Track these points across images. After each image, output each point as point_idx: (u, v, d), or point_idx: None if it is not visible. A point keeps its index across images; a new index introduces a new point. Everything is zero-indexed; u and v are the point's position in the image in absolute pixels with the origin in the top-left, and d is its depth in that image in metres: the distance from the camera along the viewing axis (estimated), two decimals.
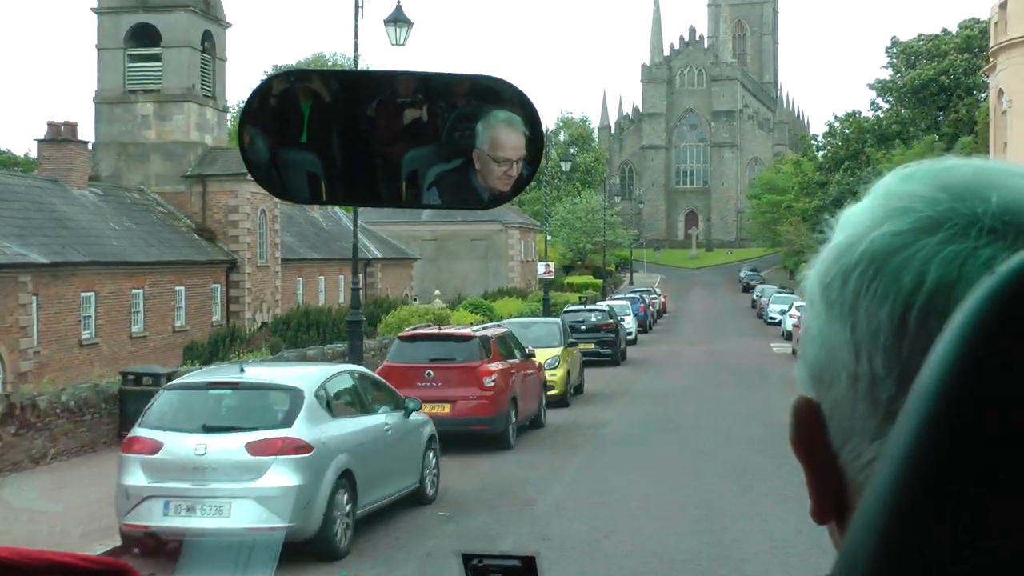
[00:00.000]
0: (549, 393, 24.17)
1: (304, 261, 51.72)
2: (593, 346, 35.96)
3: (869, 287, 0.82)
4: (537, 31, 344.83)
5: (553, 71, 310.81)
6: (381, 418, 12.37)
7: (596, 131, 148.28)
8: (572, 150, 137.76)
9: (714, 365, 37.91)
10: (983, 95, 68.01)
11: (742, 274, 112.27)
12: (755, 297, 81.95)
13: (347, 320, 27.27)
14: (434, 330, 19.39)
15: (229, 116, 50.91)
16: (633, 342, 46.72)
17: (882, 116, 72.29)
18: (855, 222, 0.87)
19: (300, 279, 51.75)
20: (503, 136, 1.49)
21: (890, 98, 73.12)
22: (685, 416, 23.77)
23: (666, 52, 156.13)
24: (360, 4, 24.06)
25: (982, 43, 69.42)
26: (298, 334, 33.52)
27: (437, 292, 62.97)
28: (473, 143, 1.48)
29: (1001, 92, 39.49)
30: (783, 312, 55.36)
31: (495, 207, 1.58)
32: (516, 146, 1.49)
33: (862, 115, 73.57)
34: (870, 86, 73.05)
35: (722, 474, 16.53)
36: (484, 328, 20.12)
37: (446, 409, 17.75)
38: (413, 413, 13.16)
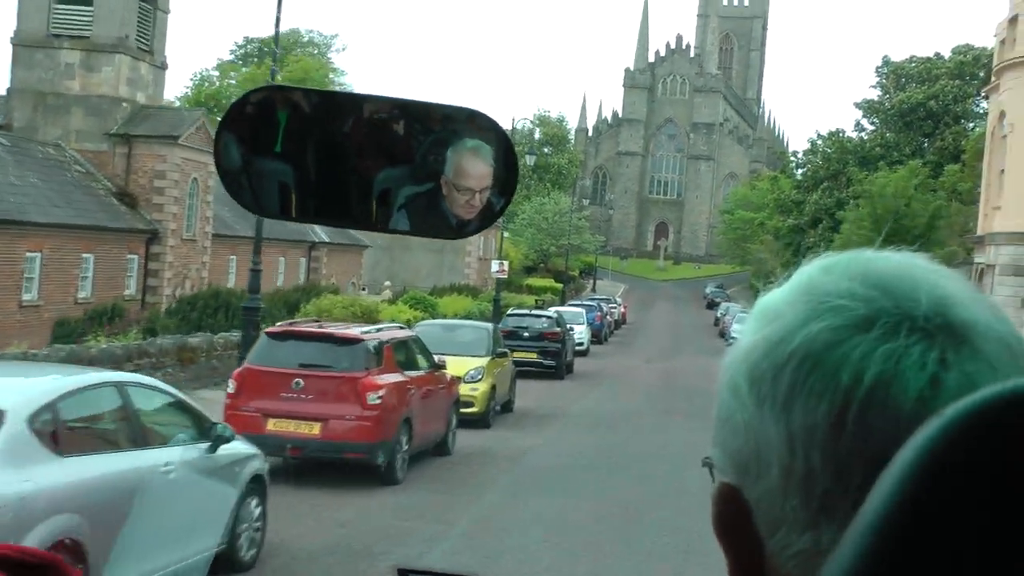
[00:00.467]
0: (468, 411, 20.48)
1: (239, 239, 47.67)
2: (535, 356, 32.38)
3: (805, 383, 0.83)
4: (524, 28, 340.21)
5: (536, 69, 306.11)
6: (161, 454, 8.50)
7: (573, 132, 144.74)
8: (547, 149, 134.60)
9: (668, 387, 34.36)
10: (971, 125, 64.98)
11: (708, 290, 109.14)
12: (719, 315, 78.65)
13: (242, 306, 23.57)
14: (313, 327, 15.46)
15: (167, 73, 46.89)
16: (584, 353, 43.16)
17: (866, 137, 69.07)
18: (779, 314, 0.88)
19: (234, 257, 47.78)
20: (468, 165, 1.49)
21: (876, 119, 69.89)
22: (626, 449, 20.13)
23: (651, 59, 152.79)
24: None
25: (975, 70, 66.37)
26: (203, 317, 29.71)
27: (387, 283, 59.27)
28: (442, 168, 1.49)
29: (1003, 114, 36.11)
30: None
31: (463, 238, 1.58)
32: (481, 176, 1.49)
33: (845, 135, 70.30)
34: (857, 105, 69.80)
35: (657, 539, 12.92)
36: (380, 330, 16.22)
37: (314, 429, 14.02)
38: (225, 445, 9.30)
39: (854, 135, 69.98)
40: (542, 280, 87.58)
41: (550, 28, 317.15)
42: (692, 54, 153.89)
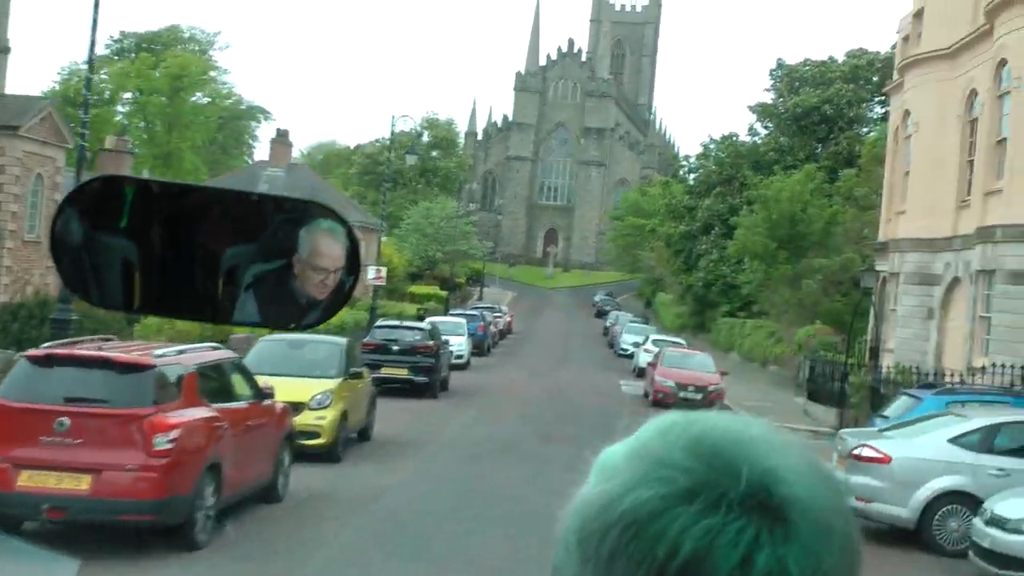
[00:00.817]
0: (312, 443, 17.32)
1: None
2: (405, 372, 29.25)
3: (627, 549, 0.88)
4: (413, 29, 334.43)
5: (425, 71, 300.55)
6: None
7: (463, 136, 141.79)
8: (435, 153, 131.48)
9: (553, 404, 31.52)
10: (865, 129, 63.46)
11: (597, 298, 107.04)
12: (608, 324, 76.38)
13: (51, 318, 20.08)
14: (89, 349, 12.05)
15: (9, 58, 42.76)
16: (464, 366, 40.17)
17: (760, 141, 67.20)
18: (616, 472, 0.94)
19: None
20: (324, 245, 1.50)
21: (770, 123, 68.04)
22: (498, 488, 17.12)
23: (543, 62, 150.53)
24: None
25: (868, 74, 64.90)
26: (26, 329, 25.99)
27: None
28: (295, 246, 1.51)
29: (907, 113, 33.99)
30: (636, 345, 49.43)
31: (311, 327, 1.60)
32: (335, 256, 1.51)
33: (739, 139, 68.40)
34: (751, 108, 67.85)
35: None
36: (184, 352, 12.85)
37: (83, 484, 10.70)
38: None
39: (748, 139, 68.12)
40: (426, 287, 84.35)
41: (439, 30, 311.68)
42: (584, 58, 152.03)
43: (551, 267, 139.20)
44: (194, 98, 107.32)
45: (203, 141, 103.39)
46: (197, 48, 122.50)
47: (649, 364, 37.37)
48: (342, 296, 1.52)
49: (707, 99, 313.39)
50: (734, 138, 68.57)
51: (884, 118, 52.98)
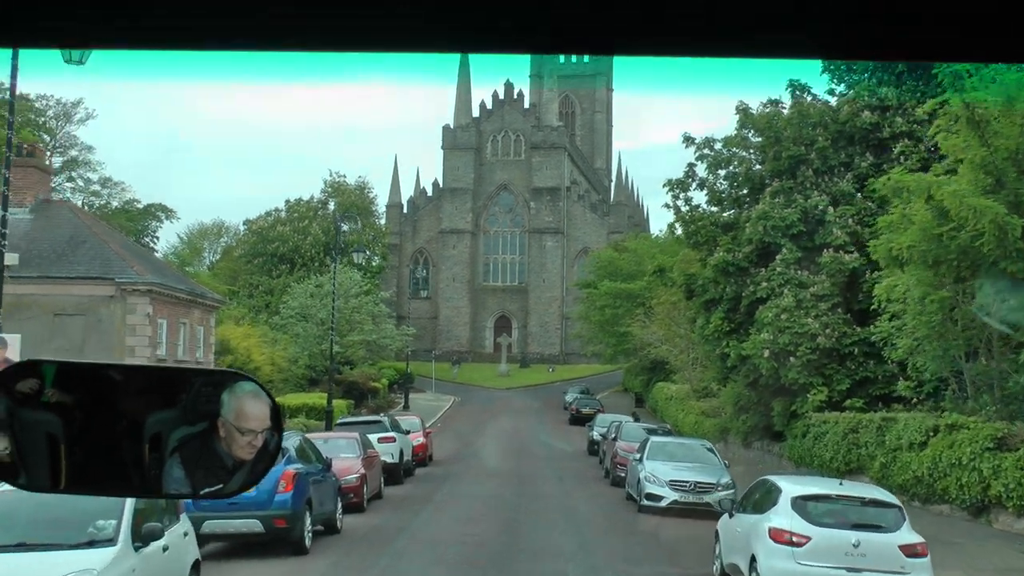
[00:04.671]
0: None
1: None
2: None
3: None
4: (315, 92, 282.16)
5: (327, 124, 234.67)
6: None
7: (383, 208, 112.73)
8: (344, 226, 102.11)
9: None
10: None
11: (569, 398, 77.37)
12: (594, 435, 46.98)
13: None
14: None
15: None
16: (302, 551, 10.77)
17: (839, 99, 38.54)
18: None
19: None
20: (249, 407, 1.55)
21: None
22: None
23: (475, 112, 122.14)
24: None
25: None
26: None
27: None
28: (218, 409, 1.56)
29: None
30: (708, 488, 21.02)
31: (239, 492, 1.62)
32: (261, 417, 1.55)
33: (794, 102, 39.25)
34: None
35: None
36: None
37: None
38: None
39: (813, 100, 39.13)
40: (307, 397, 54.46)
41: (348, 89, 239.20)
42: (526, 104, 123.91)
43: (504, 363, 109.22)
44: None
45: None
46: (44, 119, 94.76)
47: None
48: (267, 455, 1.53)
49: (679, 153, 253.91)
50: (779, 105, 39.49)
51: None
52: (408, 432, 35.27)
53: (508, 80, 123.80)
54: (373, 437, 29.85)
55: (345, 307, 67.86)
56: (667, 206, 41.13)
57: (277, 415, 1.56)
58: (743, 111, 38.71)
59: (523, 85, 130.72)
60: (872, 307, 29.90)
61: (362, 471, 24.61)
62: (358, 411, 64.45)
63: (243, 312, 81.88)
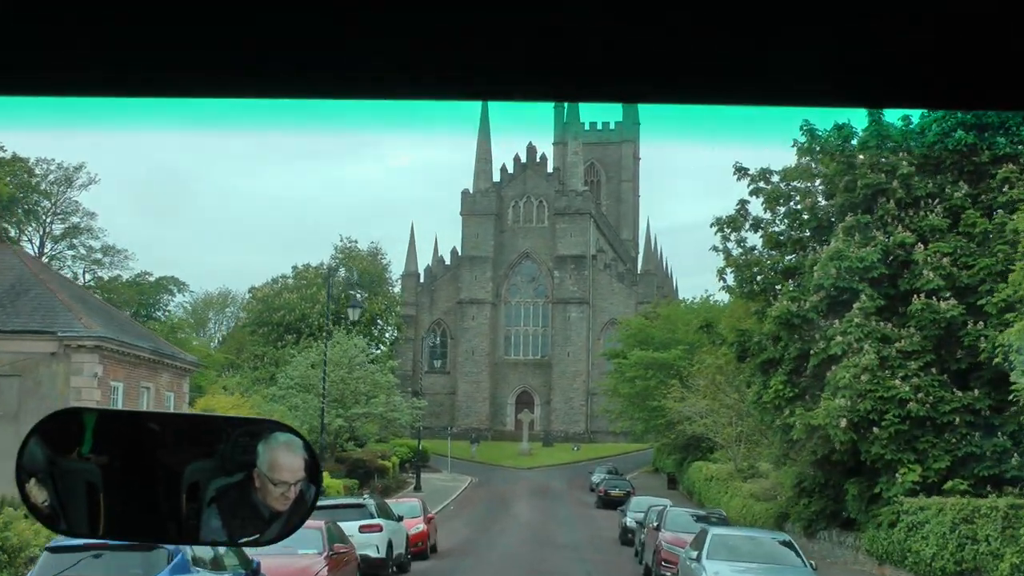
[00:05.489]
0: None
1: None
2: None
3: None
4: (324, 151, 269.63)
5: (341, 191, 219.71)
6: None
7: (398, 279, 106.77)
8: (358, 294, 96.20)
9: None
10: None
11: (595, 478, 70.66)
12: (628, 522, 40.44)
13: None
14: None
15: None
16: None
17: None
18: None
19: None
20: (282, 458, 1.56)
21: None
22: None
23: (496, 177, 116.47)
24: None
25: None
26: None
27: None
28: (254, 460, 1.56)
29: None
30: None
31: (273, 541, 1.62)
32: (295, 468, 1.57)
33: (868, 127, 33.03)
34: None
35: None
36: None
37: None
38: None
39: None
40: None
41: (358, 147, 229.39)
42: (550, 169, 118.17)
43: (526, 441, 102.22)
44: None
45: None
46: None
47: None
48: (304, 507, 1.53)
49: (708, 211, 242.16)
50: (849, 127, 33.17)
51: None
52: (402, 518, 28.59)
53: (530, 143, 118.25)
54: (351, 525, 23.31)
55: (349, 377, 61.52)
56: (715, 249, 34.82)
57: (314, 467, 1.56)
58: (808, 131, 32.38)
59: (546, 151, 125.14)
60: (979, 360, 23.41)
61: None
62: (361, 492, 57.95)
63: (246, 384, 75.86)
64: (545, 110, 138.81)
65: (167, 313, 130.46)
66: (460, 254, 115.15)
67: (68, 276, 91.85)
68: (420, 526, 31.78)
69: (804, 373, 32.18)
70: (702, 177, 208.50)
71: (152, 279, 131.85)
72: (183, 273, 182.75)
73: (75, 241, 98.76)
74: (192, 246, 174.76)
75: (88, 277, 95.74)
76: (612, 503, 57.94)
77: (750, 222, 34.68)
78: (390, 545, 25.47)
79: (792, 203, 34.05)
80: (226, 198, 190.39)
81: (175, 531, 1.50)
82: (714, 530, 23.39)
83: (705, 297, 73.70)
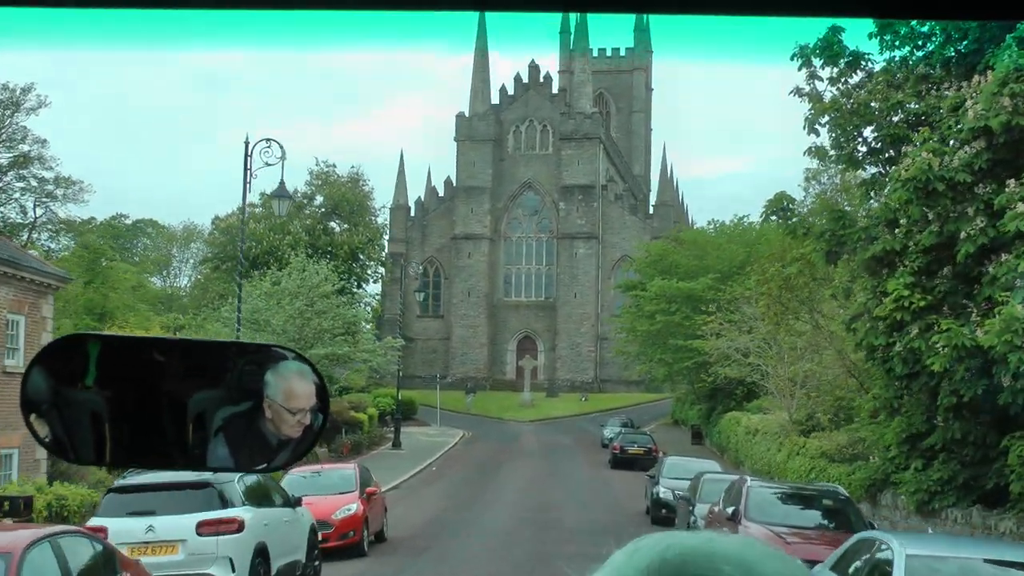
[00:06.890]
0: None
1: None
2: None
3: None
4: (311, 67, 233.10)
5: (325, 112, 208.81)
6: None
7: (387, 211, 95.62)
8: (334, 224, 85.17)
9: None
10: None
11: (608, 433, 60.08)
12: (658, 492, 29.27)
13: None
14: None
15: None
16: None
17: None
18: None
19: None
20: (297, 386, 1.56)
21: None
22: None
23: (495, 99, 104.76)
24: None
25: None
26: None
27: None
28: (261, 388, 1.56)
29: None
30: None
31: (282, 468, 1.65)
32: (309, 395, 1.57)
33: None
34: None
35: None
36: None
37: None
38: None
39: None
40: None
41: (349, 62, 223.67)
42: (555, 89, 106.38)
43: (528, 391, 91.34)
44: None
45: None
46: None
47: None
48: (312, 434, 1.53)
49: (725, 155, 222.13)
50: None
51: None
52: (300, 501, 17.33)
53: (533, 60, 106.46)
54: (183, 521, 12.23)
55: (310, 310, 50.42)
56: (796, 92, 23.40)
57: (324, 392, 1.56)
58: None
59: (551, 74, 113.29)
60: None
61: None
62: (333, 452, 47.27)
63: (196, 323, 65.08)
64: (551, 30, 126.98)
65: (147, 257, 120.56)
66: (455, 185, 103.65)
67: (16, 210, 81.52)
68: (352, 507, 20.64)
69: (940, 274, 20.88)
70: (721, 100, 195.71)
71: (128, 222, 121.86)
72: (148, 210, 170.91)
73: (23, 172, 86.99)
74: (155, 175, 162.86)
75: (40, 212, 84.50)
76: (629, 462, 47.46)
77: (848, 55, 23.27)
78: (262, 553, 14.27)
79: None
80: (195, 121, 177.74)
81: (182, 459, 1.49)
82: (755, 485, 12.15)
83: (739, 219, 62.42)
